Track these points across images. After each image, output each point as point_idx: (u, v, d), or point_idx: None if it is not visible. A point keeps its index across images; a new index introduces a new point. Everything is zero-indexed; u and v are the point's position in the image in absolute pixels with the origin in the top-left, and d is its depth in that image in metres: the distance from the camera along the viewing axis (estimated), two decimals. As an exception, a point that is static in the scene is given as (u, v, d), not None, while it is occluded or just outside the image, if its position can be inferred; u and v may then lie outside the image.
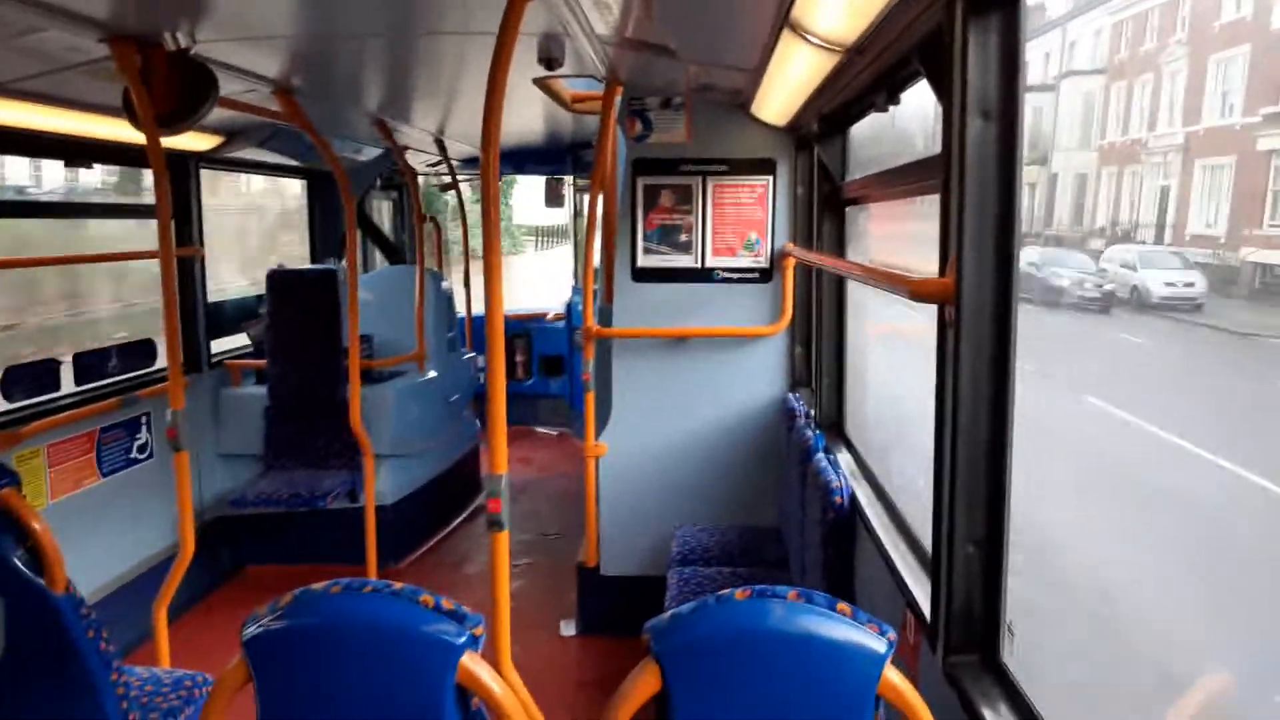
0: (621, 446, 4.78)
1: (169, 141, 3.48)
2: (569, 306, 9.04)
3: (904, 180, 2.87)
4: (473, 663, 1.73)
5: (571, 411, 8.92)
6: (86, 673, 2.59)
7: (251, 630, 1.75)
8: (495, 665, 2.36)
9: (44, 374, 4.55)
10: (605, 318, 4.90)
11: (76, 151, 4.51)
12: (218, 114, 3.61)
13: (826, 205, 4.14)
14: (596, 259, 5.03)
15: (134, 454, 4.90)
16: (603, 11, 2.88)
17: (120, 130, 3.62)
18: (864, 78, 2.92)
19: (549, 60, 3.39)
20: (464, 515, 6.68)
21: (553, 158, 8.15)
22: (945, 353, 2.00)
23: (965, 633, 2.03)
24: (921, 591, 2.41)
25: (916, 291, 2.07)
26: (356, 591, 1.76)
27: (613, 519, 4.84)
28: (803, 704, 1.62)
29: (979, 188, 1.87)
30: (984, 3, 1.81)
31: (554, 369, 9.32)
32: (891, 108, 2.98)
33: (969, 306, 1.91)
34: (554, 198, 8.93)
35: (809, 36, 2.56)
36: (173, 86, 3.24)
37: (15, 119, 3.85)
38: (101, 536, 4.59)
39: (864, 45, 2.54)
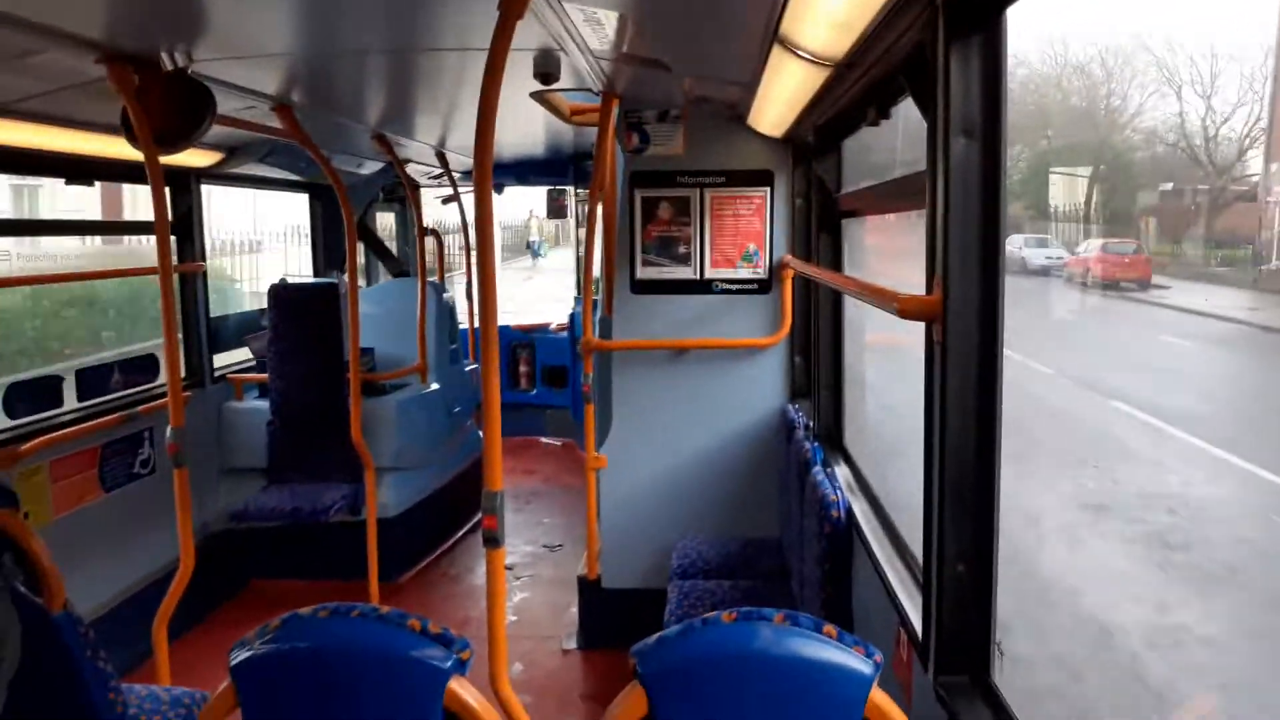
0: (622, 458, 4.77)
1: (170, 158, 3.51)
2: (571, 317, 9.05)
3: (894, 195, 2.87)
4: (460, 688, 1.73)
5: (575, 422, 8.94)
6: (83, 692, 2.60)
7: (239, 655, 1.75)
8: (493, 683, 2.36)
9: (47, 390, 4.57)
10: (606, 329, 4.91)
11: (77, 170, 4.54)
12: (218, 130, 3.64)
13: (823, 218, 4.14)
14: (597, 270, 5.04)
15: (136, 469, 4.91)
16: (596, 28, 2.89)
17: (120, 147, 3.64)
18: (854, 92, 2.93)
19: (545, 75, 3.41)
20: (467, 527, 6.69)
21: (555, 169, 8.16)
22: (933, 370, 1.99)
23: (956, 652, 2.02)
24: (914, 609, 2.40)
25: (904, 308, 2.06)
26: (345, 615, 1.77)
27: (613, 531, 4.83)
28: None
29: (963, 205, 1.86)
30: (965, 23, 1.80)
31: (557, 379, 9.31)
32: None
33: (955, 324, 1.90)
34: (556, 209, 8.95)
35: (799, 51, 2.56)
36: (170, 105, 3.25)
37: (15, 139, 3.87)
38: (104, 552, 4.60)
39: (852, 61, 2.55)
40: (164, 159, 3.35)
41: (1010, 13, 1.78)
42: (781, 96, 3.35)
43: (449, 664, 1.72)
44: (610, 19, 2.77)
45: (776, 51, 2.70)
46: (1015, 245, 17.81)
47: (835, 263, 4.15)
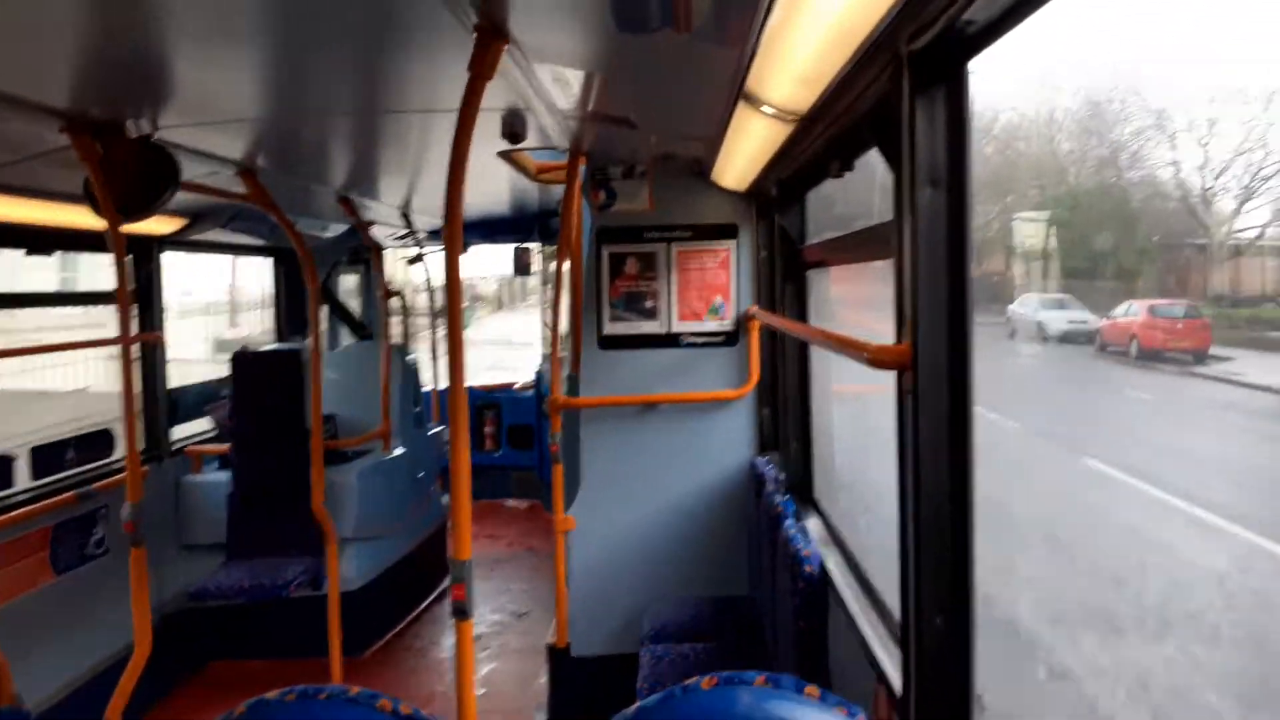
0: (591, 520, 4.69)
1: (132, 225, 3.47)
2: (538, 375, 9.00)
3: (860, 245, 2.90)
4: None
5: (542, 483, 8.83)
6: None
7: None
8: None
9: None
10: (573, 386, 4.88)
11: (37, 240, 4.47)
12: (181, 196, 3.61)
13: (788, 269, 4.18)
14: (564, 326, 5.03)
15: (90, 549, 4.74)
16: (563, 87, 2.93)
17: (81, 216, 3.60)
18: (818, 145, 2.98)
19: (512, 134, 3.43)
20: (431, 597, 6.52)
21: (521, 227, 8.18)
22: (905, 420, 1.99)
23: (936, 708, 1.99)
24: (892, 663, 2.37)
25: (874, 358, 2.06)
26: (313, 699, 1.71)
27: (583, 596, 4.71)
28: None
29: (930, 255, 1.89)
30: (929, 75, 1.84)
31: (524, 439, 9.21)
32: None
33: (925, 373, 1.91)
34: (522, 266, 8.96)
35: (763, 107, 2.61)
36: (134, 173, 3.21)
37: None
38: (55, 638, 4.42)
39: (816, 114, 2.59)
40: (126, 227, 3.31)
41: (988, 58, 1.82)
42: (745, 151, 3.40)
43: None
44: (577, 78, 2.81)
45: (741, 107, 2.75)
46: (1030, 308, 16.04)
47: (800, 313, 4.18)
